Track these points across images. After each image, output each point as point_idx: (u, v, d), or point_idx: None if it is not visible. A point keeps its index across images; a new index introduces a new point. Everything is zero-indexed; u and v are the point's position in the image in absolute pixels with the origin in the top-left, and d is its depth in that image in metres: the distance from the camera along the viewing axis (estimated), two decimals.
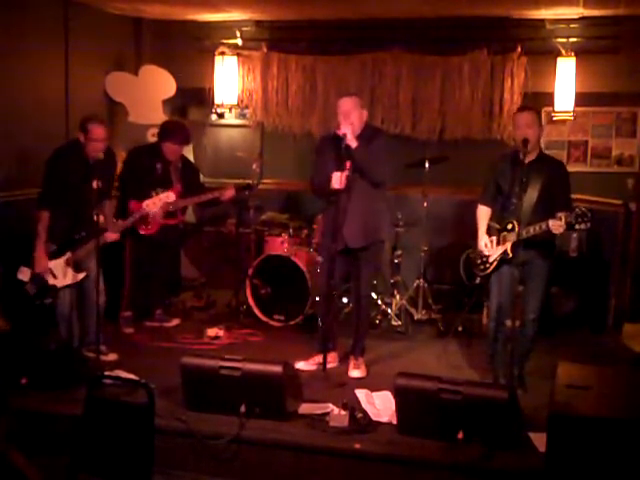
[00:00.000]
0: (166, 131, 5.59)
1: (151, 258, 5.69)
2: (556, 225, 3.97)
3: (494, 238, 4.39)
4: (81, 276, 4.78)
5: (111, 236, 4.88)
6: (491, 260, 4.39)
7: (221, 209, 6.37)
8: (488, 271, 4.42)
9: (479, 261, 4.49)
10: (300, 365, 4.78)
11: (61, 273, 4.76)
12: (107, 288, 4.91)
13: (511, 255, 4.24)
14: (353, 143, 4.50)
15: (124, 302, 5.65)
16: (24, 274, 4.74)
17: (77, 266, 4.80)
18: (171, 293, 6.39)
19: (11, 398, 4.05)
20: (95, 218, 4.55)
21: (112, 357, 4.89)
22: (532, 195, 4.21)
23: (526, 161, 4.17)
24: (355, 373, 4.76)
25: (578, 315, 5.86)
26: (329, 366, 4.70)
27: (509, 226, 4.27)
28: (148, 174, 5.43)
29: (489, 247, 4.40)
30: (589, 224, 3.87)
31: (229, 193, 5.68)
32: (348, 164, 4.52)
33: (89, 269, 4.81)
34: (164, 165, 5.53)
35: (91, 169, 4.64)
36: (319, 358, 4.71)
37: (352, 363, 4.83)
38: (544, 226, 4.04)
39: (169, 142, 5.53)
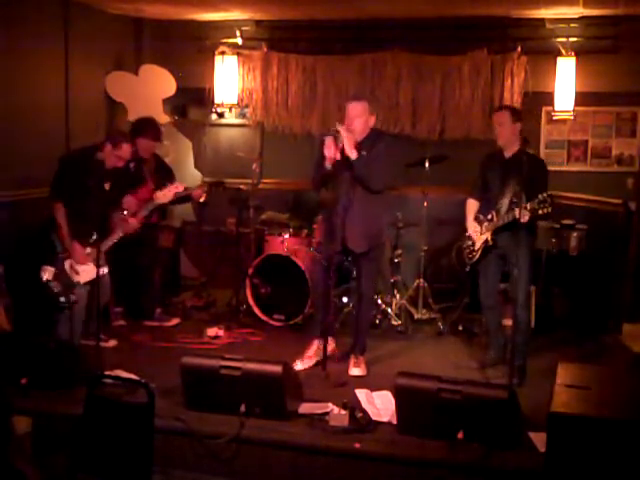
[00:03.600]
0: (138, 128, 5.62)
1: (128, 258, 5.63)
2: (519, 212, 4.32)
3: (479, 228, 4.80)
4: (102, 271, 4.76)
5: (133, 222, 5.14)
6: (476, 248, 4.82)
7: (221, 208, 6.37)
8: (475, 259, 4.84)
9: (467, 250, 4.90)
10: (297, 365, 4.77)
11: (82, 269, 4.82)
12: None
13: (491, 243, 4.69)
14: (352, 154, 4.50)
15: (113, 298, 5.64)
16: (48, 272, 4.75)
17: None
18: (171, 293, 6.38)
19: (11, 398, 4.05)
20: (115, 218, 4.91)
21: (112, 343, 4.92)
22: (511, 189, 4.56)
23: (505, 157, 4.68)
24: (355, 371, 4.76)
25: (578, 315, 5.86)
26: (329, 349, 4.67)
27: (489, 216, 4.72)
28: (121, 171, 5.34)
29: (477, 230, 4.80)
30: (550, 209, 4.26)
31: (198, 192, 5.77)
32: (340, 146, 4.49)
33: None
34: (137, 163, 5.54)
35: (107, 173, 4.88)
36: (311, 350, 4.74)
37: (352, 361, 4.83)
38: (516, 214, 4.37)
39: (142, 138, 5.56)
